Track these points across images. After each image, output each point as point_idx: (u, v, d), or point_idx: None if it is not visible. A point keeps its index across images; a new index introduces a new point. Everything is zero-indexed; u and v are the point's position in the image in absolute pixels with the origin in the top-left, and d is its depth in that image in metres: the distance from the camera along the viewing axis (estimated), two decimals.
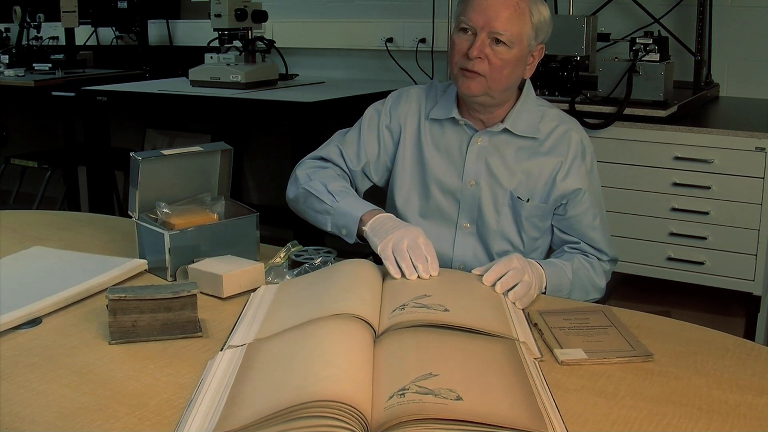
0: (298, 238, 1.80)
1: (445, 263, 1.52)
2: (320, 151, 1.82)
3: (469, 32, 1.61)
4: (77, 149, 4.14)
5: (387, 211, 1.71)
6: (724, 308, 2.70)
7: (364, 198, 1.71)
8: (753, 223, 2.48)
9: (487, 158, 1.71)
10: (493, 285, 1.44)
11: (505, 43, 1.59)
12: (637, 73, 2.62)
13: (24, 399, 1.10)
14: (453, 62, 1.66)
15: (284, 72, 3.75)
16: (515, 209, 1.71)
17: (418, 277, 1.44)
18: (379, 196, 1.95)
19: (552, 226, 1.75)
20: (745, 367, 1.21)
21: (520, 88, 1.74)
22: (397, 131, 1.78)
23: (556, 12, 3.21)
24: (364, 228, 1.57)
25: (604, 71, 2.69)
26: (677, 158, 2.55)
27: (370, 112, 1.83)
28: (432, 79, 3.62)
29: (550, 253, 1.80)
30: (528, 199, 1.70)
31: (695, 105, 2.84)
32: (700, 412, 1.08)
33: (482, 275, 1.47)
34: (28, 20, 4.48)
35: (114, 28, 4.47)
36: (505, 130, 1.70)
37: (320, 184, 1.69)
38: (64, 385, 1.14)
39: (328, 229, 1.66)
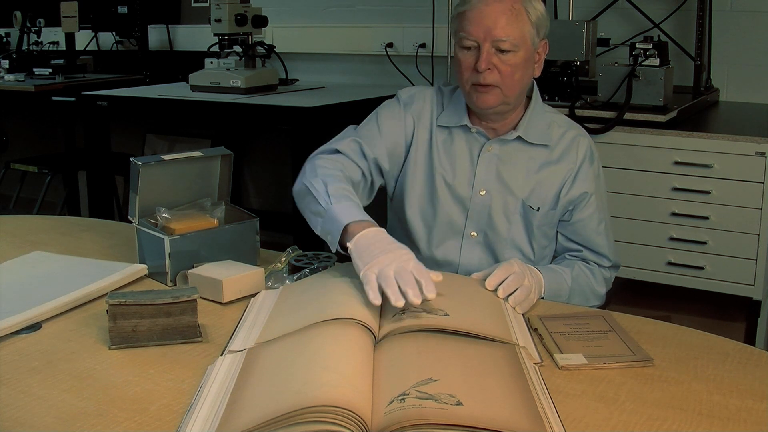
0: (298, 243, 1.80)
1: (450, 271, 1.50)
2: (336, 144, 1.71)
3: (472, 47, 1.61)
4: (77, 154, 4.15)
5: (392, 217, 1.68)
6: (725, 313, 2.70)
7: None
8: (753, 228, 2.48)
9: (498, 166, 1.70)
10: (495, 290, 1.43)
11: (510, 49, 1.58)
12: (637, 78, 2.63)
13: (24, 404, 1.10)
14: (463, 80, 1.64)
15: (284, 77, 3.75)
16: (527, 218, 1.70)
17: (407, 302, 1.29)
18: (379, 201, 1.94)
19: (557, 232, 1.75)
20: (746, 372, 1.21)
21: (529, 95, 1.72)
22: (410, 130, 1.74)
23: (555, 17, 3.22)
24: (348, 244, 1.42)
25: (604, 76, 2.69)
26: (677, 163, 2.56)
27: (385, 108, 1.77)
28: (432, 84, 3.63)
29: (551, 260, 1.80)
30: (538, 208, 1.69)
31: (695, 110, 2.84)
32: (700, 417, 1.08)
33: (482, 280, 1.47)
34: (29, 25, 4.49)
35: (114, 33, 4.48)
36: (518, 138, 1.69)
37: (321, 183, 1.55)
38: (64, 390, 1.14)
39: (318, 232, 1.54)
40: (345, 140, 1.71)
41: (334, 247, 1.47)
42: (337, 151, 1.69)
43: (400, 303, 1.28)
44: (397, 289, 1.29)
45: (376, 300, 1.29)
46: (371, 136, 1.73)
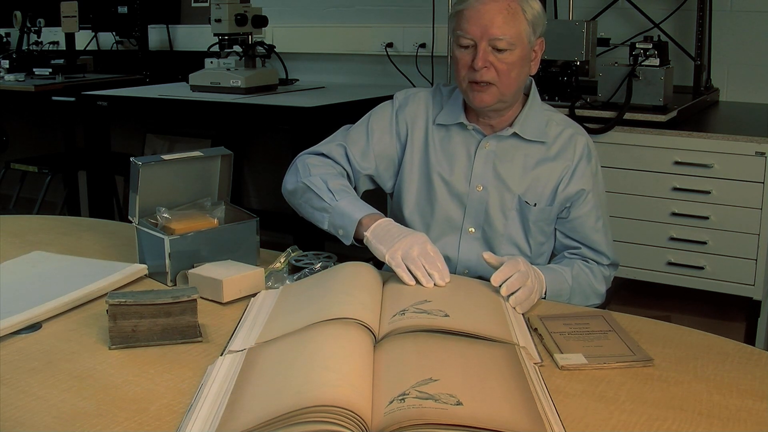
0: (298, 242, 1.80)
1: (449, 268, 1.52)
2: (322, 147, 1.78)
3: (469, 45, 1.62)
4: (77, 154, 4.15)
5: (391, 216, 1.70)
6: (725, 313, 2.70)
7: (363, 198, 1.69)
8: (753, 228, 2.48)
9: (495, 162, 1.71)
10: (498, 286, 1.44)
11: (506, 48, 1.60)
12: (637, 78, 2.63)
13: (24, 404, 1.10)
14: (460, 77, 1.66)
15: (284, 77, 3.75)
16: (523, 213, 1.71)
17: (434, 284, 1.43)
18: (379, 197, 1.94)
19: (555, 230, 1.75)
20: (746, 372, 1.21)
21: (526, 93, 1.74)
22: (404, 134, 1.77)
23: (555, 17, 3.22)
24: (365, 233, 1.55)
25: (604, 76, 2.69)
26: (677, 163, 2.56)
27: (377, 112, 1.80)
28: (432, 84, 3.63)
29: (550, 259, 1.80)
30: (535, 204, 1.70)
31: (695, 110, 2.84)
32: (700, 417, 1.08)
33: (482, 280, 1.47)
34: (29, 25, 4.49)
35: (114, 33, 4.48)
36: (514, 135, 1.70)
37: (320, 180, 1.66)
38: (64, 390, 1.14)
39: (325, 227, 1.64)
40: (331, 144, 1.78)
41: (348, 240, 1.59)
42: (323, 155, 1.76)
43: (430, 284, 1.43)
44: (425, 271, 1.44)
45: (412, 281, 1.44)
46: (359, 140, 1.77)
